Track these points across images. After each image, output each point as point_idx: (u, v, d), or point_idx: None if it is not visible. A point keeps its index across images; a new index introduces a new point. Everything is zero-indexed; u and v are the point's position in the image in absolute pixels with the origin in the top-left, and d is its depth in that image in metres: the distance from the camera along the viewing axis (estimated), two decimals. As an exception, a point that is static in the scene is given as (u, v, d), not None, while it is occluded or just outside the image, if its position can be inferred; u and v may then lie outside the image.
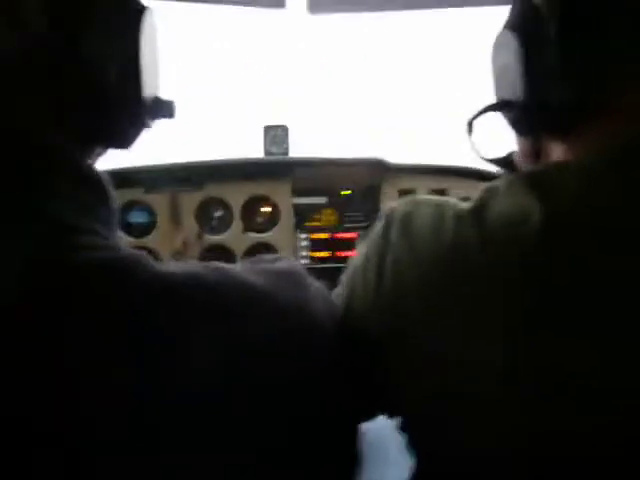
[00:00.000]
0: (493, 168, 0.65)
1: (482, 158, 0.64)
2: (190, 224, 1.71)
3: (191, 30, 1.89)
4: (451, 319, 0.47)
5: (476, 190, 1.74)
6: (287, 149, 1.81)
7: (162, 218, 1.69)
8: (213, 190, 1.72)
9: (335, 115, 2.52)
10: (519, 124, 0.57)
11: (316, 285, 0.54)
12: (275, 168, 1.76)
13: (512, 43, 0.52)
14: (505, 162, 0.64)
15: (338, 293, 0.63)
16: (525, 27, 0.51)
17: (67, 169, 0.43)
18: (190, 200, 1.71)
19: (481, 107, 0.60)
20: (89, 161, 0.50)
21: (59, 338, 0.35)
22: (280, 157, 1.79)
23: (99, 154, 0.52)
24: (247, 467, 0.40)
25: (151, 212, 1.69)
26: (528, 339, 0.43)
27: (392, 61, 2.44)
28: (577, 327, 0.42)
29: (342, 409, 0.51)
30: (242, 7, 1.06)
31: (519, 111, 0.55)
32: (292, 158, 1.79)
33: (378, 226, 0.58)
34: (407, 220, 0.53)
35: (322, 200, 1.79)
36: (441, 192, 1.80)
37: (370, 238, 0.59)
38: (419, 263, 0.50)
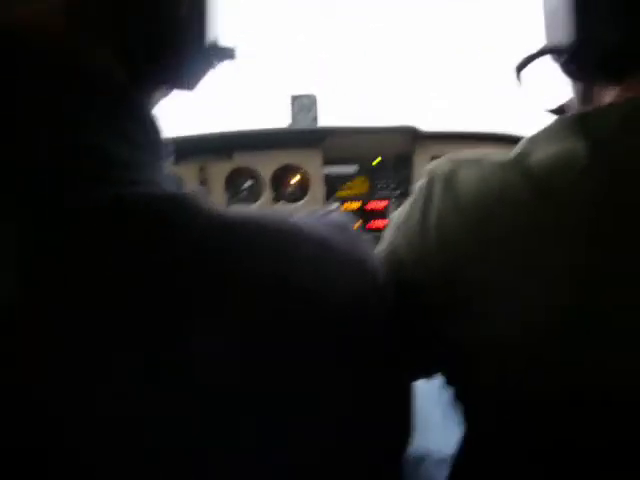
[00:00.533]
0: (528, 131, 0.62)
1: (537, 107, 0.62)
2: (219, 195, 1.69)
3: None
4: (502, 267, 0.46)
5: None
6: (316, 118, 1.78)
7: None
8: (242, 160, 1.69)
9: (364, 85, 2.48)
10: (571, 69, 0.54)
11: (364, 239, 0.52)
12: (306, 137, 1.73)
13: None
14: (561, 111, 0.61)
15: (379, 251, 0.61)
16: None
17: (121, 101, 0.39)
18: (219, 170, 1.69)
19: (531, 52, 0.57)
20: (151, 102, 0.47)
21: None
22: (310, 126, 1.76)
23: (162, 96, 0.49)
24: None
25: (179, 184, 1.67)
26: (578, 280, 0.42)
27: (421, 26, 2.38)
28: (628, 262, 0.41)
29: (398, 369, 0.48)
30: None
31: (571, 55, 0.52)
32: (323, 127, 1.76)
33: (421, 183, 0.56)
34: (451, 175, 0.52)
35: (353, 169, 1.76)
36: (475, 160, 1.75)
37: (413, 195, 0.57)
38: (464, 214, 0.49)
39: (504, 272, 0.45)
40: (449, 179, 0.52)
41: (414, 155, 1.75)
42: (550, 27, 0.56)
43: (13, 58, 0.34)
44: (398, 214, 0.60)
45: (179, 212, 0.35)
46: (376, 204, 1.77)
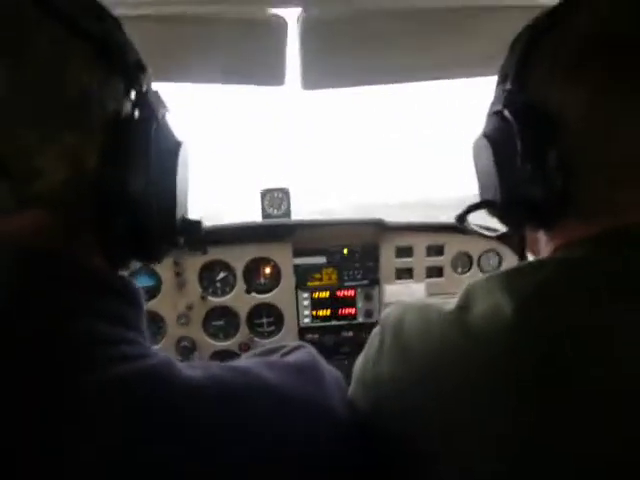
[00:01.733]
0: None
1: (491, 238, 0.69)
2: (194, 287, 1.75)
3: (189, 101, 1.98)
4: (446, 424, 0.50)
5: (472, 244, 1.78)
6: (289, 211, 1.88)
7: (166, 282, 1.74)
8: (216, 253, 1.77)
9: (333, 176, 2.61)
10: (501, 221, 0.62)
11: (332, 375, 0.58)
12: (276, 231, 1.81)
13: (486, 151, 0.59)
14: (504, 237, 0.68)
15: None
16: (496, 137, 0.58)
17: (101, 286, 0.47)
18: (193, 263, 1.76)
19: (466, 207, 0.65)
20: (124, 273, 0.54)
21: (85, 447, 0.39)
22: (280, 220, 1.85)
23: (132, 266, 0.57)
24: None
25: (156, 276, 1.74)
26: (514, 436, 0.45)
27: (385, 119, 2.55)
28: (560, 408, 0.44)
29: None
30: (244, 85, 1.13)
31: (499, 210, 0.60)
32: (292, 220, 1.85)
33: (374, 333, 0.63)
34: (399, 326, 0.58)
35: (322, 260, 1.84)
36: (438, 248, 1.86)
37: (368, 344, 0.64)
38: (412, 367, 0.54)
39: (451, 429, 0.49)
40: (397, 330, 0.58)
41: (380, 245, 1.84)
42: (481, 184, 0.64)
43: (21, 264, 0.43)
44: (358, 364, 0.66)
45: (152, 389, 0.43)
46: (345, 293, 1.84)
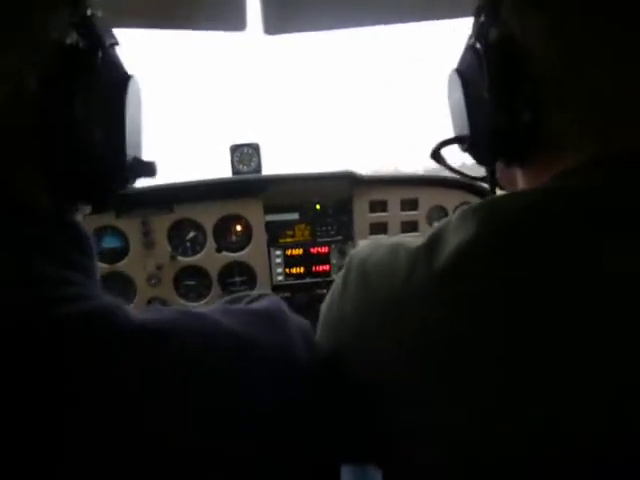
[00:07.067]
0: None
1: (465, 177, 0.68)
2: (163, 247, 1.70)
3: (153, 53, 1.90)
4: (407, 365, 0.47)
5: (447, 198, 1.75)
6: (259, 167, 1.81)
7: (134, 242, 1.68)
8: (184, 211, 1.71)
9: (304, 131, 2.55)
10: (473, 156, 0.61)
11: (297, 324, 0.54)
12: (245, 186, 1.76)
13: (456, 84, 0.59)
14: (487, 178, 0.65)
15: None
16: (466, 69, 0.57)
17: (46, 224, 0.44)
18: (162, 222, 1.70)
19: (438, 143, 0.64)
20: (71, 214, 0.50)
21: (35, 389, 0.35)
22: (250, 175, 1.79)
23: (82, 210, 0.53)
24: None
25: (123, 237, 1.68)
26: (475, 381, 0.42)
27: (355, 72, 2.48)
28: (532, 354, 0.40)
29: (324, 456, 0.51)
30: (204, 31, 1.07)
31: (469, 145, 0.60)
32: (262, 176, 1.79)
33: (339, 276, 0.60)
34: (365, 267, 0.55)
35: (294, 216, 1.80)
36: (413, 202, 1.83)
37: (333, 288, 0.61)
38: (376, 310, 0.51)
39: (411, 375, 0.46)
40: (363, 269, 0.55)
41: (353, 200, 1.80)
42: (454, 121, 0.63)
43: None
44: (323, 306, 0.63)
45: (101, 328, 0.39)
46: (318, 249, 1.81)
